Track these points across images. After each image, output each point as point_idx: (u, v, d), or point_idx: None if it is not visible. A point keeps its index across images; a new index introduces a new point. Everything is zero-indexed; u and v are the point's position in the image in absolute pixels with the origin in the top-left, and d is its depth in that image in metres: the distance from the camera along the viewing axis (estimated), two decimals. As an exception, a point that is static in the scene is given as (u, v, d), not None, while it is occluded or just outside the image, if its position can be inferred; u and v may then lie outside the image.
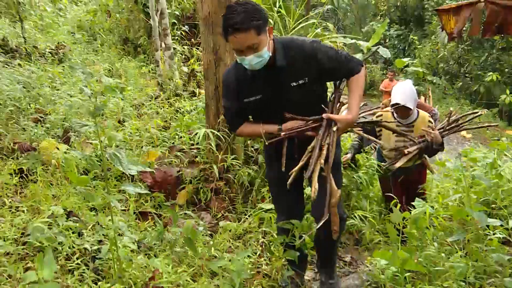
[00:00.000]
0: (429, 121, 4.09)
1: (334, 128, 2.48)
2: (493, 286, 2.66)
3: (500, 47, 15.21)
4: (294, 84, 2.49)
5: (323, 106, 2.60)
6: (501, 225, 2.93)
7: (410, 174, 4.21)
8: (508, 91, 12.86)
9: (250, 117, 2.76)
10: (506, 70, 15.31)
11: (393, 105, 3.97)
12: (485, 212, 3.23)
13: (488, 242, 2.91)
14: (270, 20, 2.86)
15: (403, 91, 3.99)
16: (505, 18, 3.96)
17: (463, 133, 11.54)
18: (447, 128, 4.23)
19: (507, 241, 3.07)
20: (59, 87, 6.23)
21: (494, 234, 2.93)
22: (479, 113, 4.21)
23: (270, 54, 2.36)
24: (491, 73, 14.30)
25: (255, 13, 2.24)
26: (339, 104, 2.75)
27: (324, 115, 2.51)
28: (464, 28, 4.44)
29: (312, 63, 2.46)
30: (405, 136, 3.67)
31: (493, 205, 3.63)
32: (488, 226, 2.93)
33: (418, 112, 4.14)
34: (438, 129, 4.10)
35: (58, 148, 4.06)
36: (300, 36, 3.04)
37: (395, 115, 4.13)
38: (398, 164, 3.99)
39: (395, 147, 4.10)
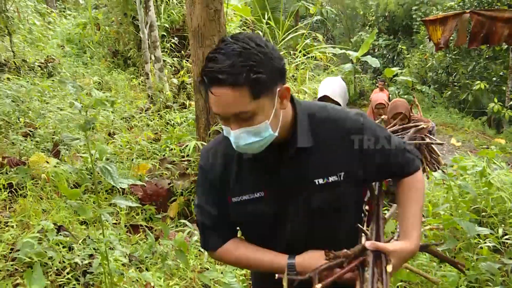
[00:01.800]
0: None
1: (388, 268, 1.40)
2: (484, 295, 2.68)
3: (487, 56, 15.40)
4: (321, 181, 1.45)
5: (358, 225, 1.57)
6: (492, 233, 2.95)
7: None
8: (496, 100, 12.99)
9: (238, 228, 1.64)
10: (494, 78, 15.49)
11: (319, 99, 3.33)
12: (475, 221, 3.25)
13: (479, 250, 2.93)
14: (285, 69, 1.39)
15: (331, 84, 3.44)
16: (490, 28, 4.02)
17: (453, 141, 11.62)
18: None
19: (498, 249, 3.09)
20: (48, 100, 6.20)
21: (485, 242, 2.95)
22: (420, 126, 3.91)
23: (276, 134, 1.34)
24: (479, 82, 14.45)
25: (256, 60, 1.22)
26: (381, 220, 1.63)
27: (368, 244, 1.42)
28: (450, 38, 4.50)
29: (355, 150, 1.47)
30: None
31: (484, 213, 3.66)
32: (478, 234, 2.95)
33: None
34: None
35: (48, 162, 4.04)
36: (338, 107, 1.70)
37: None
38: None
39: None
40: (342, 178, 1.46)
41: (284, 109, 1.37)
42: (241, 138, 1.31)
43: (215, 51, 1.24)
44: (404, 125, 3.67)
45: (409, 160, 1.60)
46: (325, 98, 3.24)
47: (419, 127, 3.63)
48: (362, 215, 1.71)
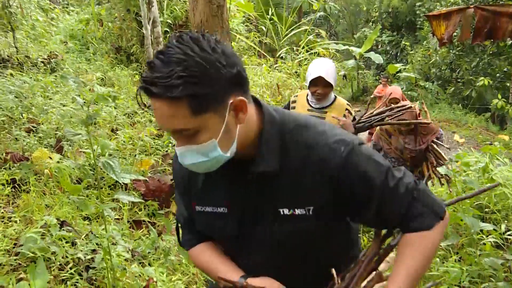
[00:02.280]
0: (347, 109, 3.51)
1: None
2: (487, 290, 2.67)
3: (491, 52, 15.32)
4: (287, 212, 1.24)
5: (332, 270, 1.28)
6: (495, 229, 2.95)
7: None
8: (500, 96, 12.94)
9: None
10: (498, 74, 15.41)
11: (312, 80, 3.33)
12: (478, 217, 3.25)
13: (481, 246, 2.92)
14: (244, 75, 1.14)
15: (325, 66, 3.39)
16: (494, 24, 4.00)
17: (456, 137, 11.59)
18: (364, 119, 3.58)
19: (500, 245, 3.08)
20: (51, 96, 6.21)
21: (487, 238, 2.95)
22: (407, 106, 3.63)
23: (227, 155, 1.14)
24: (482, 78, 14.38)
25: (198, 69, 1.02)
26: (376, 276, 1.26)
27: None
28: (454, 34, 4.48)
29: (329, 186, 1.20)
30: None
31: (486, 209, 3.65)
32: (481, 230, 2.94)
33: (335, 97, 3.57)
34: (354, 119, 3.52)
35: (51, 158, 4.05)
36: (317, 121, 1.33)
37: (309, 97, 3.55)
38: None
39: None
40: (310, 213, 1.22)
41: (241, 124, 1.15)
42: (185, 156, 1.14)
43: (156, 56, 1.05)
44: (390, 107, 3.65)
45: (416, 213, 1.22)
46: (319, 79, 3.25)
47: (406, 106, 3.61)
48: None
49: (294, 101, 3.70)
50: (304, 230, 1.24)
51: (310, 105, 3.52)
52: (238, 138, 1.15)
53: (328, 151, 1.19)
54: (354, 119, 3.51)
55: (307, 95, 3.53)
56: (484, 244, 2.91)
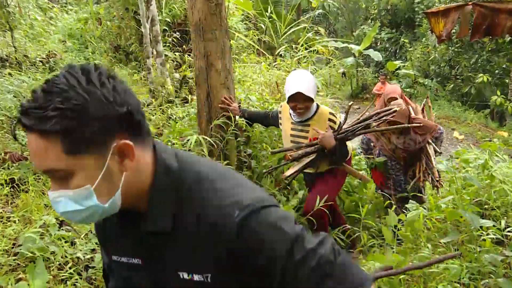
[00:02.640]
0: (330, 119, 3.39)
1: None
2: (487, 287, 2.67)
3: (489, 48, 15.33)
4: (186, 276, 1.06)
5: None
6: (494, 226, 2.94)
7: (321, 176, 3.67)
8: (499, 92, 12.95)
9: None
10: (496, 71, 15.42)
11: (290, 96, 3.23)
12: (478, 213, 3.25)
13: (481, 243, 2.92)
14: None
15: (303, 79, 3.28)
16: (493, 20, 3.99)
17: (456, 134, 11.60)
18: (347, 128, 3.41)
19: (500, 241, 3.08)
20: (50, 95, 6.20)
21: (487, 234, 2.95)
22: (393, 110, 3.48)
23: (107, 207, 0.98)
24: (481, 74, 14.39)
25: (77, 103, 0.89)
26: None
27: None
28: (453, 31, 4.47)
29: (223, 250, 1.01)
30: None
31: (486, 206, 3.65)
32: (481, 227, 2.94)
33: (317, 107, 3.44)
34: (335, 130, 3.34)
35: (49, 157, 4.04)
36: (223, 173, 1.11)
37: (291, 111, 3.46)
38: (289, 173, 3.51)
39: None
40: (209, 281, 1.04)
41: (127, 172, 0.98)
42: (57, 203, 0.96)
43: (45, 82, 0.93)
44: (374, 112, 3.59)
45: None
46: (298, 95, 3.19)
47: (390, 111, 3.53)
48: None
49: (280, 112, 3.66)
50: None
51: (293, 119, 3.48)
52: (124, 188, 0.99)
53: (220, 215, 0.99)
54: (339, 127, 3.36)
55: (290, 108, 3.44)
56: (484, 240, 2.91)
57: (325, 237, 1.06)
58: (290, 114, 3.47)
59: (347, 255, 1.08)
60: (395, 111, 3.48)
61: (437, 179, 4.11)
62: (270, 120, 3.88)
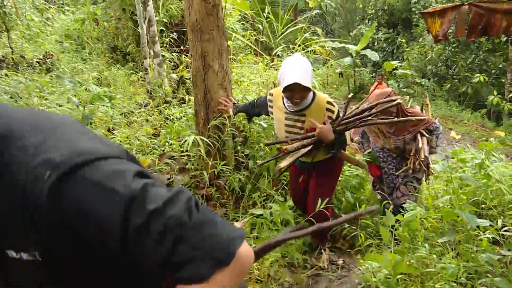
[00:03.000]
0: (328, 109, 3.14)
1: None
2: (484, 286, 2.68)
3: (486, 48, 15.37)
4: (14, 255, 0.87)
5: None
6: (491, 225, 2.95)
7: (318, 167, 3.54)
8: (495, 92, 12.98)
9: None
10: (493, 71, 15.47)
11: (287, 87, 2.92)
12: (474, 213, 3.26)
13: (478, 242, 2.93)
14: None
15: (299, 68, 2.95)
16: (489, 20, 4.01)
17: (453, 134, 11.63)
18: (346, 120, 3.19)
19: (497, 241, 3.09)
20: (47, 96, 6.19)
21: (484, 234, 2.96)
22: (396, 101, 3.31)
23: None
24: (478, 74, 14.43)
25: None
26: None
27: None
28: (449, 31, 4.49)
29: (42, 221, 0.82)
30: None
31: (483, 205, 3.66)
32: (478, 226, 2.95)
33: (314, 95, 3.15)
34: (333, 122, 3.13)
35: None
36: (42, 125, 0.86)
37: (284, 100, 3.21)
38: (283, 164, 3.34)
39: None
40: (39, 258, 0.87)
41: None
42: None
43: None
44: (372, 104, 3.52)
45: (184, 258, 0.83)
46: (295, 85, 2.89)
47: (393, 103, 3.44)
48: None
49: (271, 101, 3.39)
50: (42, 282, 0.90)
51: (287, 109, 3.19)
52: None
53: (28, 180, 0.79)
54: (337, 116, 3.18)
55: (283, 97, 3.19)
56: (481, 240, 2.92)
57: (177, 192, 0.88)
58: (284, 103, 3.21)
59: (209, 211, 0.90)
60: (399, 103, 3.35)
61: (427, 166, 4.15)
62: (256, 109, 3.69)
